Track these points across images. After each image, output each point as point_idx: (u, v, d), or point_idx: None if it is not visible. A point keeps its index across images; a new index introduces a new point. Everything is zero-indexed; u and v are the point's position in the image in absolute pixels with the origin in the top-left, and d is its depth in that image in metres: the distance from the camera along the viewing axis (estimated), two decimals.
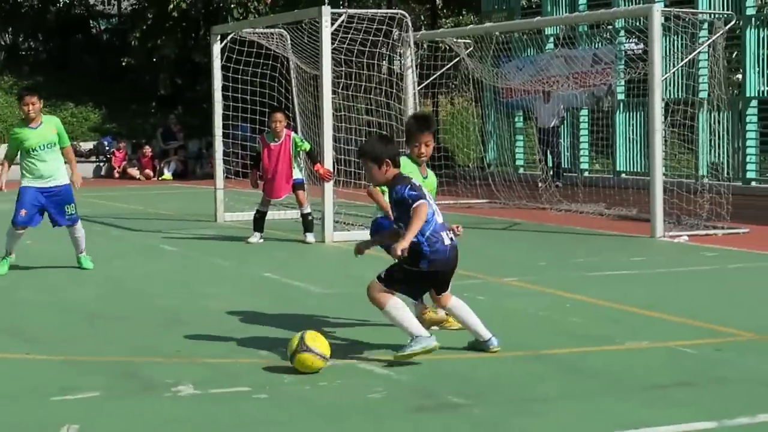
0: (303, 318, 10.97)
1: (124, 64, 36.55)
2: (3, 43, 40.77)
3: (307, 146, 17.35)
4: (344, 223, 18.18)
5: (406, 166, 9.57)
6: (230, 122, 20.75)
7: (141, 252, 16.59)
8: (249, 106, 20.23)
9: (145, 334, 10.22)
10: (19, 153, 13.91)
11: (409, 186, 8.81)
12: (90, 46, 40.72)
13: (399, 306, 8.89)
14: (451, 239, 8.98)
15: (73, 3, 41.32)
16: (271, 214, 18.21)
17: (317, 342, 8.47)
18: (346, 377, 8.47)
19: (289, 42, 19.57)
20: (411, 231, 8.53)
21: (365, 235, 17.11)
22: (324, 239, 16.92)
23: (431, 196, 9.28)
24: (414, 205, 8.61)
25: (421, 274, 8.88)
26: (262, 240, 17.11)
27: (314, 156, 17.32)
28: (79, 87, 37.20)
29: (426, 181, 9.72)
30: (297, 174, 17.25)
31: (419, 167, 9.81)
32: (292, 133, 17.52)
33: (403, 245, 8.50)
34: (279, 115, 17.14)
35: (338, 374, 8.52)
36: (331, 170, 17.09)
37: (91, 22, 42.24)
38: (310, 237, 17.17)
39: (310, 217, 17.25)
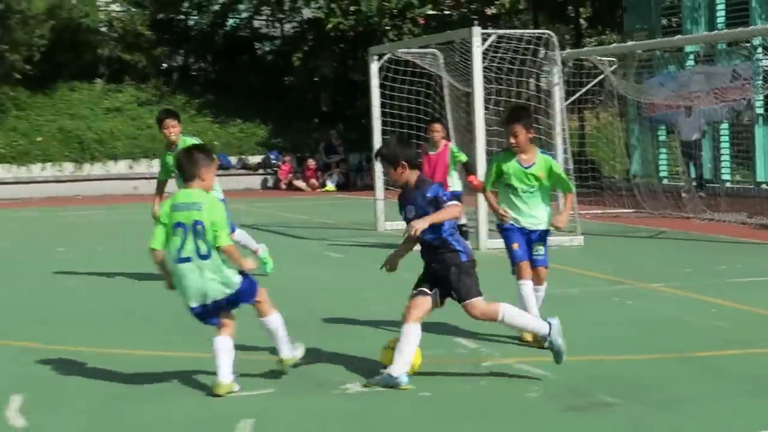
0: (458, 319, 11.05)
1: (287, 83, 37.05)
2: (175, 64, 41.59)
3: (463, 158, 17.04)
4: (497, 231, 18.16)
5: (501, 158, 10.07)
6: (388, 136, 20.90)
7: (307, 259, 16.81)
8: (405, 122, 20.34)
9: (312, 335, 10.39)
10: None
11: (442, 188, 8.89)
12: (255, 67, 41.27)
13: (512, 310, 8.86)
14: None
15: (240, 26, 42.00)
16: None
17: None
18: (505, 377, 8.54)
19: (441, 61, 19.65)
20: (437, 216, 8.51)
21: None
22: (478, 246, 16.95)
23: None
24: (450, 203, 8.66)
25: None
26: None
27: (469, 168, 17.10)
28: (245, 105, 37.77)
29: (532, 168, 9.99)
30: (456, 186, 16.90)
31: (516, 157, 9.99)
32: (450, 144, 17.27)
33: (421, 224, 8.45)
34: (437, 126, 16.91)
35: (496, 375, 8.60)
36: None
37: (255, 44, 42.84)
38: None
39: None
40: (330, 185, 34.83)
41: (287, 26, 41.74)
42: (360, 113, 32.79)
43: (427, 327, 10.60)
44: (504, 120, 10.57)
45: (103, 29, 39.31)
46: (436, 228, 8.69)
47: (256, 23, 42.21)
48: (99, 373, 8.92)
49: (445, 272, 8.84)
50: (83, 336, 10.53)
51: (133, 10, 40.26)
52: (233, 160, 36.34)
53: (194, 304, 8.31)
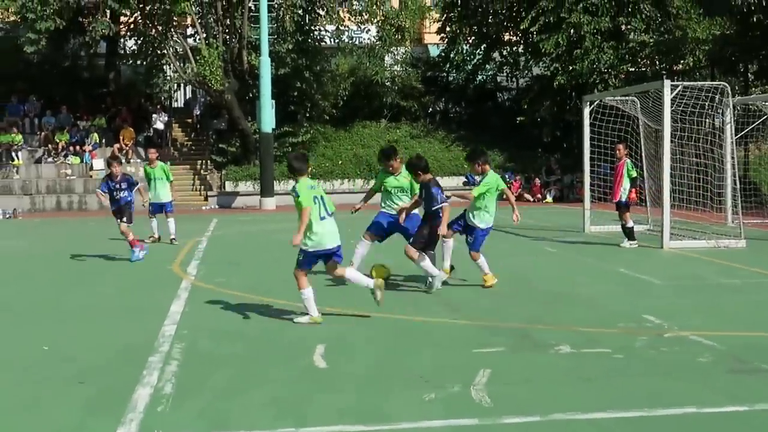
0: (648, 300, 10.70)
1: (518, 122, 36.83)
2: (438, 108, 41.96)
3: (633, 174, 17.05)
4: (678, 234, 17.51)
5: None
6: (594, 162, 20.47)
7: (530, 251, 16.62)
8: (609, 152, 19.87)
9: (534, 308, 10.25)
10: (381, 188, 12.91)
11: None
12: (496, 110, 41.16)
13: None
14: None
15: (486, 81, 42.02)
16: (616, 227, 17.88)
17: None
18: (682, 345, 8.21)
19: (638, 105, 19.09)
20: (445, 216, 11.17)
21: (696, 243, 16.55)
22: (662, 246, 16.36)
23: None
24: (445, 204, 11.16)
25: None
26: (631, 245, 16.73)
27: (634, 182, 17.07)
28: (488, 138, 37.70)
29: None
30: (623, 196, 16.88)
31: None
32: (628, 160, 17.07)
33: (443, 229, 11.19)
34: (620, 145, 17.29)
35: (675, 343, 8.28)
36: (666, 197, 16.63)
37: (497, 93, 42.80)
38: (625, 243, 16.75)
39: (628, 229, 16.82)
40: (549, 198, 34.39)
41: (521, 80, 41.48)
42: (573, 145, 32.32)
43: (620, 305, 10.34)
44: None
45: (387, 83, 40.03)
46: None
47: (498, 78, 42.12)
48: (377, 332, 9.04)
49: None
50: (364, 304, 10.64)
51: (409, 69, 40.89)
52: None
53: (334, 245, 9.54)
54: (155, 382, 7.04)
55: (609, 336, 8.60)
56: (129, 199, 15.40)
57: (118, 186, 15.27)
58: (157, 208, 18.69)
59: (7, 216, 29.35)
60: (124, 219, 15.25)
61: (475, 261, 11.91)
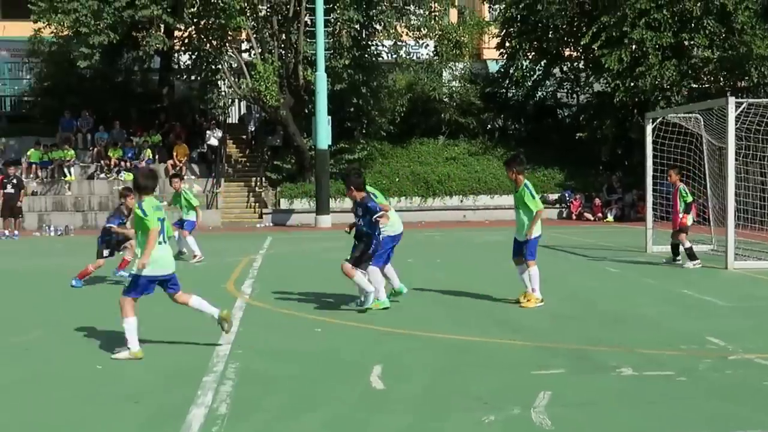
0: (711, 322, 10.64)
1: (577, 138, 36.69)
2: (497, 125, 41.91)
3: (689, 199, 17.18)
4: (743, 255, 17.32)
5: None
6: (657, 181, 20.34)
7: (591, 272, 16.52)
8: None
9: (595, 329, 10.23)
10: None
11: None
12: (556, 127, 40.96)
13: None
14: None
15: (546, 97, 41.92)
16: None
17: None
18: (747, 368, 8.18)
19: (702, 123, 18.95)
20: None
21: (761, 264, 16.40)
22: (726, 266, 16.21)
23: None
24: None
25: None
26: (694, 265, 16.71)
27: (688, 207, 17.13)
28: (548, 155, 37.59)
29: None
30: (687, 220, 17.08)
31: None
32: (681, 185, 17.27)
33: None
34: (671, 171, 17.54)
35: (740, 366, 8.25)
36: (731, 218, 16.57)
37: (557, 110, 42.65)
38: (691, 264, 16.73)
39: (688, 251, 16.87)
40: (610, 217, 34.12)
41: (581, 97, 41.32)
42: (635, 163, 32.06)
43: (683, 326, 10.29)
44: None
45: (446, 99, 40.12)
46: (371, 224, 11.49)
47: (558, 94, 41.99)
48: (434, 352, 9.11)
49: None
50: (422, 323, 10.75)
51: (467, 85, 40.94)
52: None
53: (169, 272, 9.20)
54: (210, 402, 7.14)
55: (672, 358, 8.59)
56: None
57: None
58: (179, 224, 18.79)
59: (59, 233, 29.71)
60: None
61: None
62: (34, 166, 34.28)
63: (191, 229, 19.04)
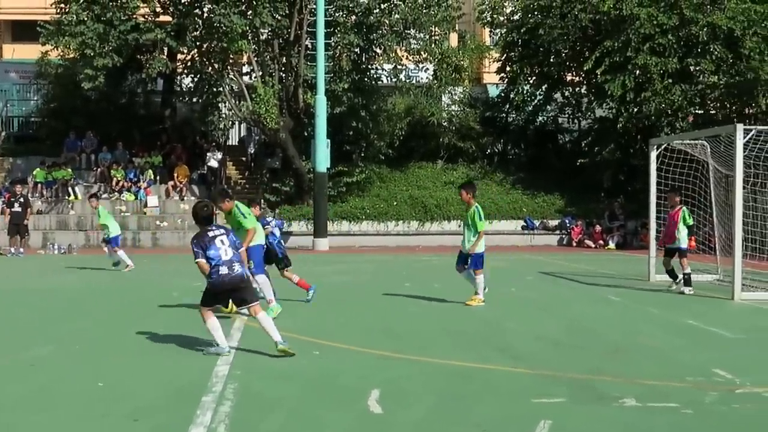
0: (718, 353, 10.50)
1: (578, 164, 36.66)
2: (496, 150, 41.86)
3: (690, 221, 17.44)
4: (750, 286, 17.17)
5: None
6: (661, 208, 20.22)
7: (592, 300, 16.32)
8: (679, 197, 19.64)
9: (596, 359, 10.08)
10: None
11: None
12: (557, 153, 40.91)
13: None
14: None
15: (547, 122, 41.91)
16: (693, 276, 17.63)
17: None
18: (755, 402, 8.03)
19: (709, 150, 18.85)
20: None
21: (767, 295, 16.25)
22: (733, 297, 16.04)
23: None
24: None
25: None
26: (689, 292, 16.90)
27: (691, 230, 17.44)
28: (548, 181, 37.56)
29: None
30: (682, 243, 17.30)
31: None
32: (684, 208, 17.52)
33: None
34: (672, 194, 17.96)
35: (748, 399, 8.10)
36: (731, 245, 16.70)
37: (558, 135, 42.60)
38: (687, 290, 16.89)
39: (686, 276, 17.12)
40: (611, 245, 33.97)
41: (583, 122, 41.31)
42: (637, 189, 32.00)
43: (688, 358, 10.14)
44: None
45: (445, 123, 40.15)
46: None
47: (559, 119, 41.98)
48: (434, 378, 8.97)
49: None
50: (421, 348, 10.63)
51: (467, 109, 40.99)
52: (536, 222, 36.19)
53: None
54: (208, 422, 7.09)
55: (677, 390, 8.43)
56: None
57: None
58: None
59: (62, 251, 29.99)
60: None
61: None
62: (39, 185, 34.50)
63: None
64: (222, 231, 10.09)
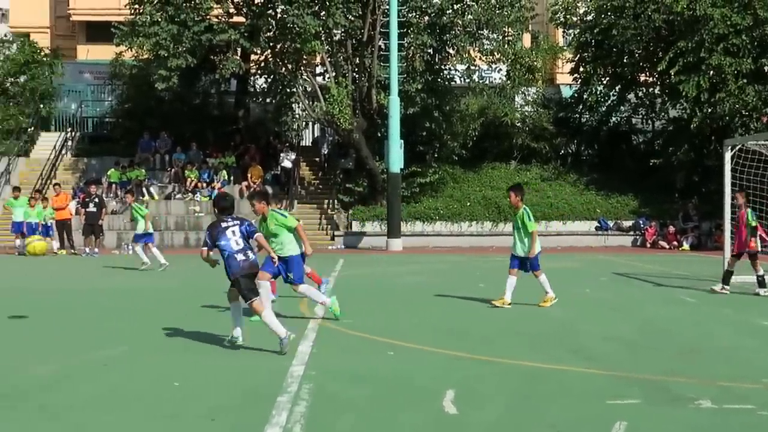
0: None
1: (652, 165, 36.25)
2: (570, 150, 41.57)
3: (753, 223, 17.13)
4: None
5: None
6: (735, 209, 19.93)
7: (666, 301, 16.15)
8: (751, 198, 19.34)
9: (671, 360, 10.04)
10: None
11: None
12: (630, 153, 40.49)
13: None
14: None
15: (620, 123, 41.46)
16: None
17: None
18: None
19: None
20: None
21: None
22: None
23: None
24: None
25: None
26: (764, 293, 16.64)
27: (754, 232, 17.12)
28: (621, 182, 37.21)
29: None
30: (755, 244, 17.05)
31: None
32: (749, 209, 17.24)
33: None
34: (738, 194, 17.49)
35: None
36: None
37: (632, 136, 42.14)
38: (762, 291, 16.64)
39: (760, 278, 16.88)
40: (685, 245, 33.51)
41: (656, 122, 40.83)
42: (711, 190, 31.58)
43: (763, 359, 10.03)
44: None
45: (518, 124, 40.02)
46: None
47: (633, 120, 41.52)
48: (507, 378, 9.04)
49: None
50: (494, 349, 10.70)
51: (540, 110, 40.79)
52: (610, 223, 35.85)
53: None
54: (284, 422, 7.17)
55: (753, 391, 8.38)
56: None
57: None
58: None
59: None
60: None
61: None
62: (113, 185, 35.15)
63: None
64: (236, 222, 10.54)
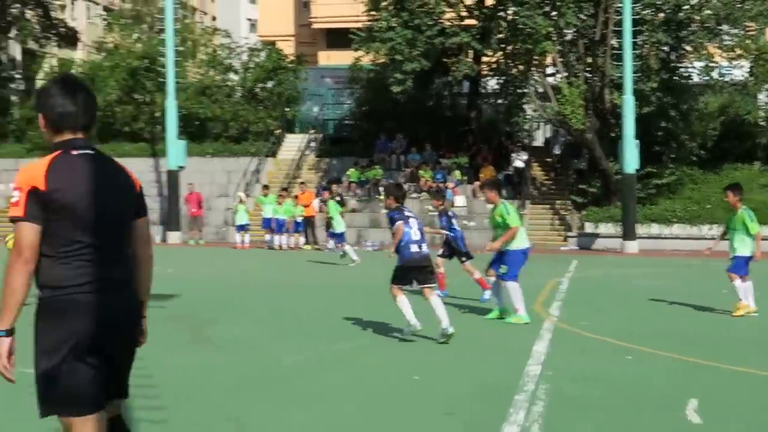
0: None
1: None
2: None
3: None
4: None
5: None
6: None
7: None
8: None
9: None
10: None
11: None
12: None
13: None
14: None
15: None
16: None
17: None
18: None
19: None
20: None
21: None
22: None
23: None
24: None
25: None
26: None
27: None
28: None
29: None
30: None
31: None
32: None
33: None
34: None
35: None
36: None
37: None
38: None
39: None
40: None
41: None
42: None
43: None
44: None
45: (762, 123, 38.06)
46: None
47: None
48: (755, 390, 8.63)
49: None
50: (738, 358, 10.22)
51: None
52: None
53: None
54: (522, 421, 7.18)
55: None
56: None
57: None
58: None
59: (376, 248, 31.49)
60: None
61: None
62: (353, 184, 36.57)
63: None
64: (413, 213, 11.26)
